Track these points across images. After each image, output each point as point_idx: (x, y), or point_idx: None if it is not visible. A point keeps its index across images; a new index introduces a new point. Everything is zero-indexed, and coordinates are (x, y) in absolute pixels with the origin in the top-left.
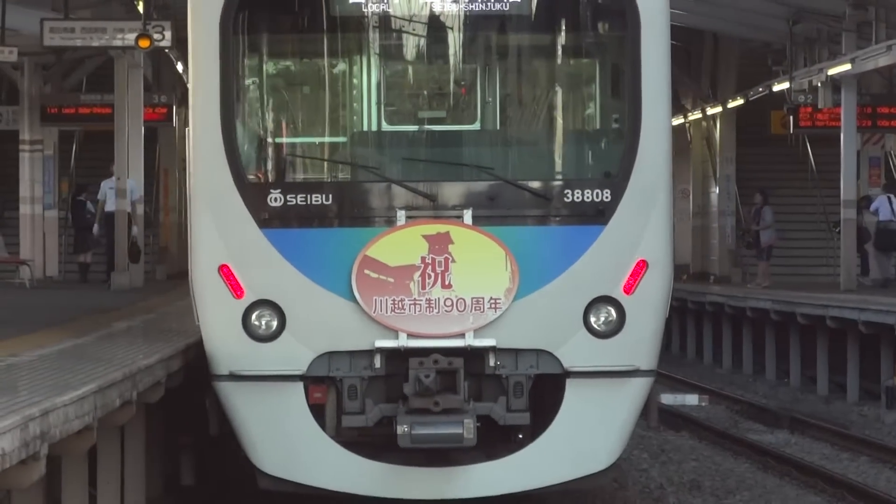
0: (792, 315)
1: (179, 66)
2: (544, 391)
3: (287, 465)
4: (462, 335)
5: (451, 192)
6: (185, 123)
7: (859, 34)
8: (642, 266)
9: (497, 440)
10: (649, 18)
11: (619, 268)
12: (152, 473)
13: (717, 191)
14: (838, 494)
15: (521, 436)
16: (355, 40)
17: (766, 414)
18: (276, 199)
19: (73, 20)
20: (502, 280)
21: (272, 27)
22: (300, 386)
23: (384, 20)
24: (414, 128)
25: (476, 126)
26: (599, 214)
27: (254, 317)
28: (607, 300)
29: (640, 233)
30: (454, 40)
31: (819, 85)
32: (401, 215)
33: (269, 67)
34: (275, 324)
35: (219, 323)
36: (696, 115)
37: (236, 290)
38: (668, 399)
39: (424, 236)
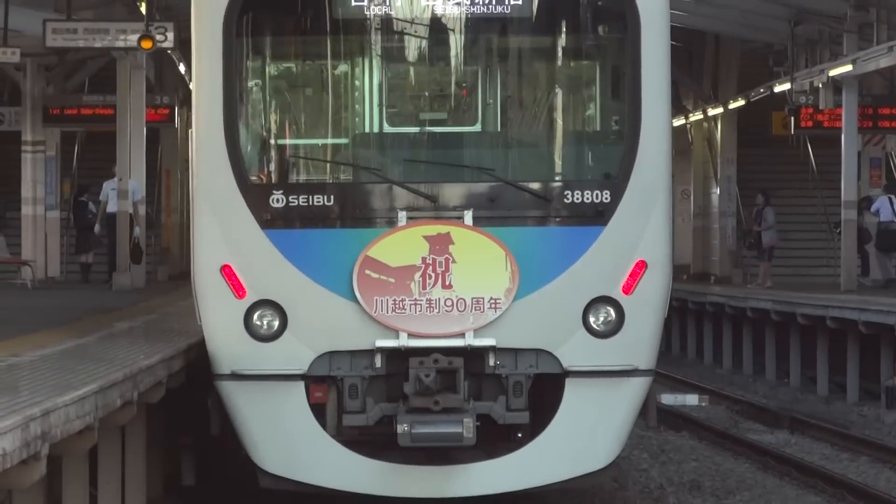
0: (792, 315)
1: (182, 67)
2: (544, 390)
3: (288, 464)
4: (462, 335)
5: (452, 193)
6: (188, 124)
7: (860, 35)
8: (641, 266)
9: (497, 439)
10: (649, 20)
11: (618, 268)
12: (153, 473)
13: (718, 191)
14: (838, 494)
15: (520, 435)
16: (357, 42)
17: (767, 414)
18: (278, 200)
19: (76, 21)
20: (502, 280)
21: (275, 29)
22: (301, 385)
23: (386, 22)
24: (415, 129)
25: (477, 128)
26: (599, 215)
27: (255, 317)
28: (606, 300)
29: (640, 233)
30: (455, 42)
31: (820, 86)
32: (402, 216)
33: (271, 69)
34: (276, 323)
35: (221, 323)
36: (698, 115)
37: (238, 290)
38: (668, 399)
39: (425, 237)
